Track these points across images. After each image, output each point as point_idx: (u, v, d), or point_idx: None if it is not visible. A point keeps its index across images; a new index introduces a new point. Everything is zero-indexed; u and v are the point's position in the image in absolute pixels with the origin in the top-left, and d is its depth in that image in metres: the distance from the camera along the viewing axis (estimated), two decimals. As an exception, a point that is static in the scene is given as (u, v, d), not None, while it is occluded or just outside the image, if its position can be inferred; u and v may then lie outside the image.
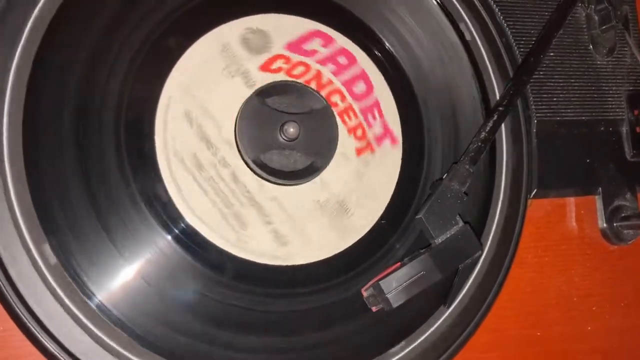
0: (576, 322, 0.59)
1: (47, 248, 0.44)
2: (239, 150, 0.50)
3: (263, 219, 0.50)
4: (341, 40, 0.54)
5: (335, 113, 0.52)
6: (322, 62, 0.53)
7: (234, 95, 0.50)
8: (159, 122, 0.48)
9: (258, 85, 0.51)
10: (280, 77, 0.52)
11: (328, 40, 0.54)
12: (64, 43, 0.47)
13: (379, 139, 0.54)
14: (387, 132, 0.54)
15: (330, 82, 0.53)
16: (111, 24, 0.48)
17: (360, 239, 0.52)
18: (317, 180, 0.51)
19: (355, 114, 0.53)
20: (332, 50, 0.54)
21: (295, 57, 0.53)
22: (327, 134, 0.52)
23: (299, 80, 0.52)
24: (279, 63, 0.52)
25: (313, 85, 0.53)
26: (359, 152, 0.53)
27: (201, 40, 0.50)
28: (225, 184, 0.49)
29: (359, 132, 0.53)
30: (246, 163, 0.50)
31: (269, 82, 0.51)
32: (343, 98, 0.53)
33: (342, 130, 0.53)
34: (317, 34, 0.54)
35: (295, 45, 0.53)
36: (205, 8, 0.51)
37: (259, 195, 0.50)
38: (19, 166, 0.44)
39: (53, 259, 0.44)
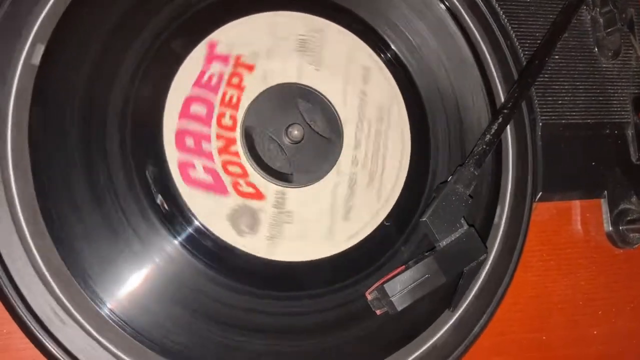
0: (581, 326, 0.59)
1: (50, 249, 0.44)
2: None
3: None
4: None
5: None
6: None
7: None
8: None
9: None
10: None
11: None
12: (74, 37, 0.47)
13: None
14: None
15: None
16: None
17: (364, 242, 0.52)
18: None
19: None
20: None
21: None
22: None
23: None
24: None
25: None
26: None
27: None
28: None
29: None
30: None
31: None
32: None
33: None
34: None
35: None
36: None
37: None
38: (23, 168, 0.44)
39: (56, 261, 0.44)
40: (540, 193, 0.58)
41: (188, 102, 0.49)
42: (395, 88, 0.55)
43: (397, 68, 0.56)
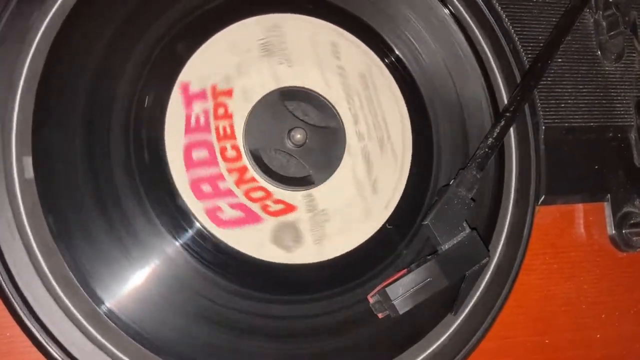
0: (585, 329, 0.59)
1: (53, 253, 0.44)
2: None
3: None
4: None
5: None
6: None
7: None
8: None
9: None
10: None
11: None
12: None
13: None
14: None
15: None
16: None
17: (366, 245, 0.52)
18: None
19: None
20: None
21: None
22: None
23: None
24: None
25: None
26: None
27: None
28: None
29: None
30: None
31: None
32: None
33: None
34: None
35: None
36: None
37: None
38: (28, 176, 0.45)
39: (60, 264, 0.44)
40: (543, 196, 0.58)
41: (188, 151, 0.49)
42: (369, 52, 0.56)
43: (400, 69, 0.56)
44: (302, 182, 0.51)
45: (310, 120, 0.52)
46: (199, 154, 0.49)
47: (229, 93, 0.51)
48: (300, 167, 0.51)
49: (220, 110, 0.50)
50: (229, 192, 0.49)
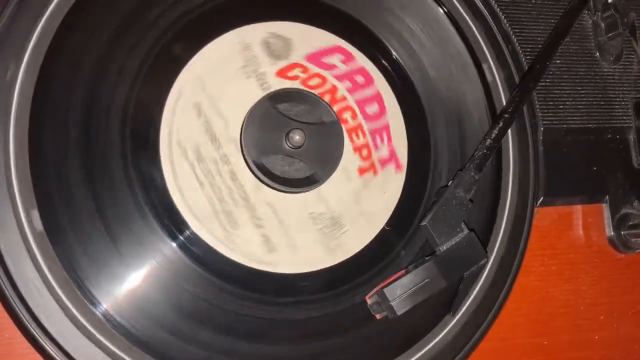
0: (583, 331, 0.59)
1: (52, 255, 0.44)
2: (242, 149, 0.50)
3: (254, 222, 0.49)
4: (361, 60, 0.54)
5: (344, 129, 0.53)
6: (339, 78, 0.54)
7: (246, 96, 0.51)
8: (167, 110, 0.49)
9: (272, 89, 0.51)
10: (296, 85, 0.52)
11: (348, 58, 0.54)
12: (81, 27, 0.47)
13: (384, 162, 0.53)
14: (392, 157, 0.54)
15: (344, 98, 0.53)
16: (131, 12, 0.49)
17: (364, 248, 0.52)
18: (315, 192, 0.51)
19: (364, 134, 0.53)
20: (351, 68, 0.54)
21: (313, 69, 0.53)
22: (332, 148, 0.52)
23: (313, 91, 0.52)
24: (297, 71, 0.52)
25: (327, 98, 0.53)
26: (361, 171, 0.53)
27: (223, 37, 0.51)
28: (223, 180, 0.49)
29: (365, 152, 0.53)
30: (247, 163, 0.50)
31: (283, 87, 0.52)
32: (354, 116, 0.53)
33: (348, 147, 0.53)
34: (339, 49, 0.54)
35: (315, 57, 0.53)
36: (229, 8, 0.52)
37: (254, 198, 0.50)
38: (24, 171, 0.45)
39: (58, 267, 0.44)
40: (542, 198, 0.58)
41: None
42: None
43: (397, 70, 0.56)
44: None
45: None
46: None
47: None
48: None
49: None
50: None
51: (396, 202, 0.53)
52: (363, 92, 0.54)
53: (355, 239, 0.52)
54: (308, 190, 0.51)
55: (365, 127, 0.53)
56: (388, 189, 0.53)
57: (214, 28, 0.51)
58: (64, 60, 0.47)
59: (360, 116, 0.53)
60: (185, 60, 0.50)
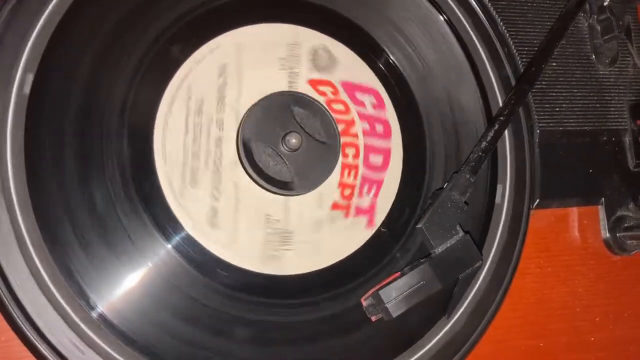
0: (580, 332, 0.59)
1: (47, 256, 0.44)
2: (240, 124, 0.50)
3: (213, 192, 0.49)
4: (390, 114, 0.55)
5: (340, 160, 0.53)
6: (362, 117, 0.54)
7: (271, 82, 0.52)
8: (197, 54, 0.50)
9: (298, 90, 0.53)
10: (321, 100, 0.53)
11: (380, 105, 0.55)
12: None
13: (359, 212, 0.53)
14: (370, 212, 0.53)
15: (356, 135, 0.54)
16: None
17: (360, 249, 0.52)
18: (283, 198, 0.51)
19: (356, 176, 0.53)
20: (377, 114, 0.54)
21: (344, 96, 0.54)
22: (320, 170, 0.52)
23: (332, 114, 0.53)
24: (327, 89, 0.53)
25: (341, 127, 0.53)
26: (335, 206, 0.53)
27: (282, 25, 0.53)
28: (208, 140, 0.50)
29: (347, 192, 0.53)
30: (237, 138, 0.50)
31: (308, 94, 0.53)
32: (356, 156, 0.54)
33: (334, 178, 0.53)
34: (375, 93, 0.55)
35: (351, 87, 0.54)
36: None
37: (226, 172, 0.50)
38: (20, 173, 0.45)
39: (52, 268, 0.44)
40: (538, 200, 0.58)
41: None
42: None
43: (392, 72, 0.56)
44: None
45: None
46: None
47: None
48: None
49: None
50: None
51: (391, 204, 0.54)
52: (376, 141, 0.54)
53: (292, 261, 0.51)
54: (277, 194, 0.51)
55: (361, 171, 0.53)
56: (350, 238, 0.52)
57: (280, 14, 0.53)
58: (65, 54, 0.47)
59: (361, 159, 0.54)
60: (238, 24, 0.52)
